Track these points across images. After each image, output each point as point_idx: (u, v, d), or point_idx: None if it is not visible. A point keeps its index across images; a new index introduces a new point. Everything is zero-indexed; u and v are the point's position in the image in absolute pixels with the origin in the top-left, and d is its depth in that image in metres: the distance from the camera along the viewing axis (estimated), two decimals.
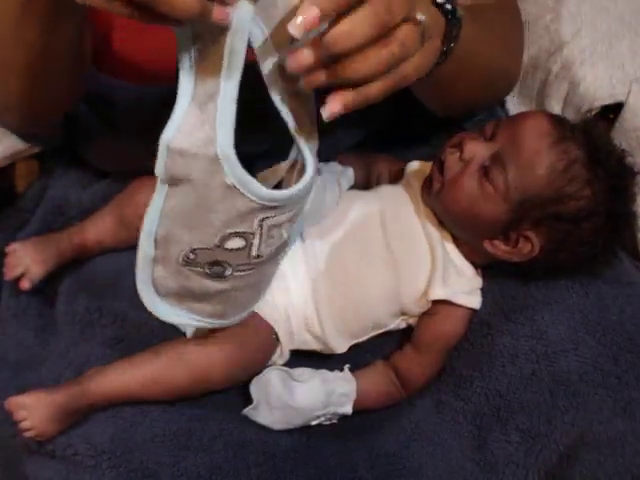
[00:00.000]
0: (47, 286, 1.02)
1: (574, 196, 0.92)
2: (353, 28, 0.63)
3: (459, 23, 0.79)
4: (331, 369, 0.96)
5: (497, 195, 0.93)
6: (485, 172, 0.93)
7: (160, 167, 0.73)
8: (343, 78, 0.66)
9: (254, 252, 0.78)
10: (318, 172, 0.98)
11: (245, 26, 0.68)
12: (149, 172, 1.03)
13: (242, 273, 0.80)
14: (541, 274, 0.97)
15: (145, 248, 0.79)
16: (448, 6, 0.78)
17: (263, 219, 0.75)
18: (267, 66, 0.71)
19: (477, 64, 0.92)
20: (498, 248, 0.96)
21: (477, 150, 0.94)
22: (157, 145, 0.72)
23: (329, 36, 0.63)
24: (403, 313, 0.99)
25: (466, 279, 0.98)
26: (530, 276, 0.98)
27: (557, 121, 0.95)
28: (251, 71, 0.71)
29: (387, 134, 1.15)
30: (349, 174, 1.01)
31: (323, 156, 1.05)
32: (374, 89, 0.68)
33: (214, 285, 0.80)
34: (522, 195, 0.92)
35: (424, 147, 1.14)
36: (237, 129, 0.71)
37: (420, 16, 0.68)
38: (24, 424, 0.87)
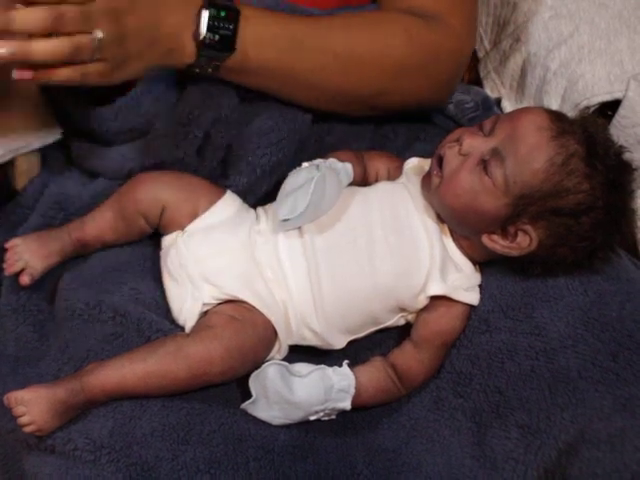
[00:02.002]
0: (47, 281, 1.02)
1: (572, 190, 0.92)
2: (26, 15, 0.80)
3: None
4: (330, 365, 0.95)
5: (496, 189, 0.93)
6: (484, 166, 0.94)
7: None
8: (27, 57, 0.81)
9: None
10: (317, 168, 0.99)
11: None
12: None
13: None
14: (540, 270, 0.97)
15: None
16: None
17: None
18: None
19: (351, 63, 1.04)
20: (497, 243, 0.96)
21: (476, 144, 0.95)
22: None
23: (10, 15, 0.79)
24: (402, 309, 0.99)
25: (465, 275, 0.98)
26: (529, 272, 0.98)
27: (556, 116, 0.95)
28: None
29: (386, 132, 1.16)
30: (349, 170, 1.01)
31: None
32: (56, 73, 0.84)
33: None
34: (521, 189, 0.92)
35: (422, 144, 1.15)
36: None
37: (98, 34, 0.84)
38: (23, 419, 0.87)
